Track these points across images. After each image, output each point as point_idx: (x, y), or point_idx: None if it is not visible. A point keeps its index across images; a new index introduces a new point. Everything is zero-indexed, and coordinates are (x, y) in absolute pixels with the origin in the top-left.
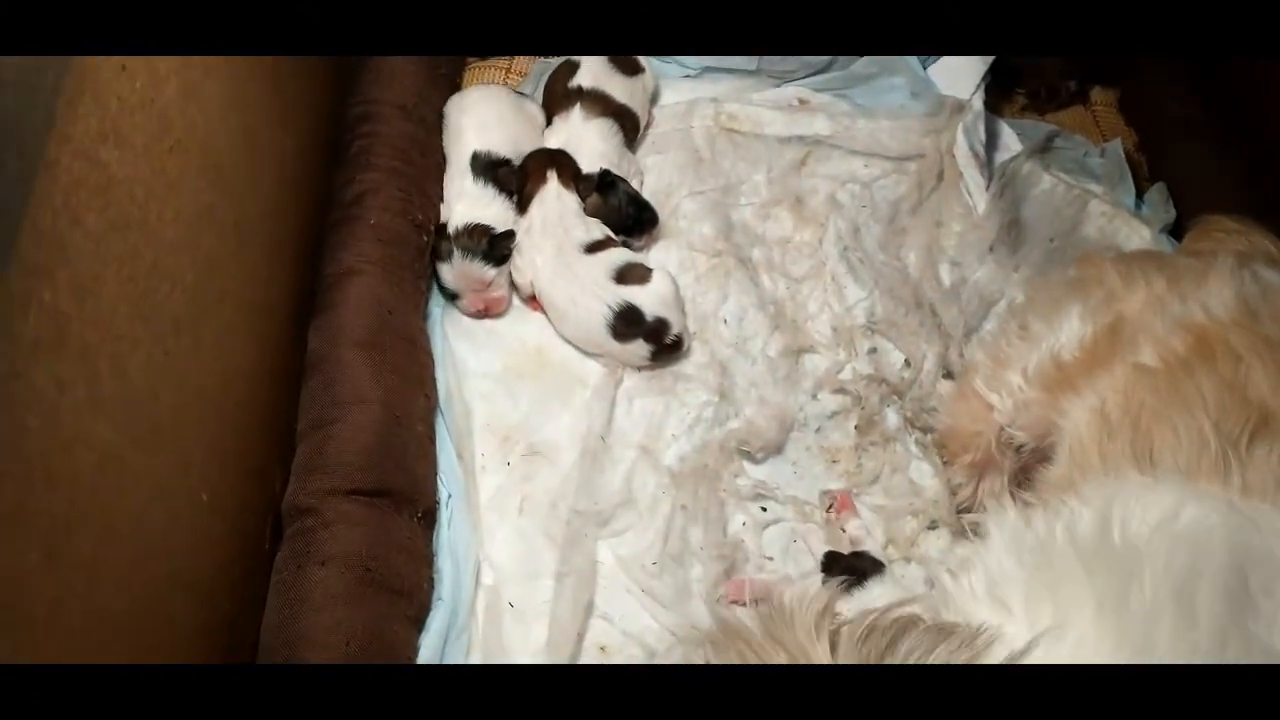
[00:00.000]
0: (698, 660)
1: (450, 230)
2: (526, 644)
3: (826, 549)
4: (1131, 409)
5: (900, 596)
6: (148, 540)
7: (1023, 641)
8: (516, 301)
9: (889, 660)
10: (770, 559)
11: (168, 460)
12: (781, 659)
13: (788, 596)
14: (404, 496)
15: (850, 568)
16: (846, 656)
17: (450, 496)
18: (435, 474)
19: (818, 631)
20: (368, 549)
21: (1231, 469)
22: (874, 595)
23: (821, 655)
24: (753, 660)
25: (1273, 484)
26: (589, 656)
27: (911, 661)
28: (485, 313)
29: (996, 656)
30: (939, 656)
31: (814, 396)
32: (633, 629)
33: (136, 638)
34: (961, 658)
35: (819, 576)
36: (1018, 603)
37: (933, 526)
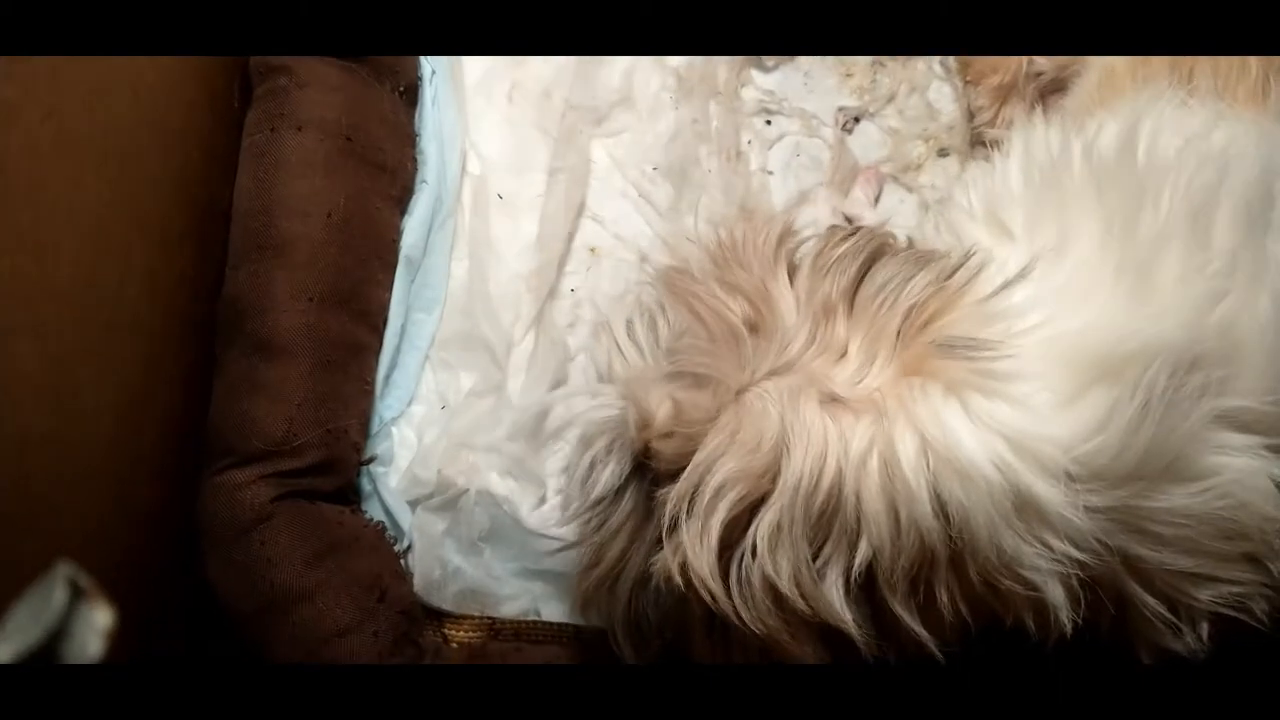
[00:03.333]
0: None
1: None
2: (515, 238)
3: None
4: None
5: None
6: (109, 76)
7: (1017, 265)
8: None
9: (859, 300)
10: (771, 173)
11: None
12: (738, 303)
13: (739, 230)
14: (384, 66)
15: None
16: (806, 287)
17: (434, 74)
18: None
19: (775, 262)
20: (347, 117)
21: (1271, 94)
22: None
23: (782, 289)
24: (705, 312)
25: None
26: (578, 258)
27: (889, 291)
28: None
29: (987, 283)
30: (917, 285)
31: None
32: (625, 233)
33: (109, 173)
34: (945, 285)
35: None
36: (1019, 224)
37: (943, 154)
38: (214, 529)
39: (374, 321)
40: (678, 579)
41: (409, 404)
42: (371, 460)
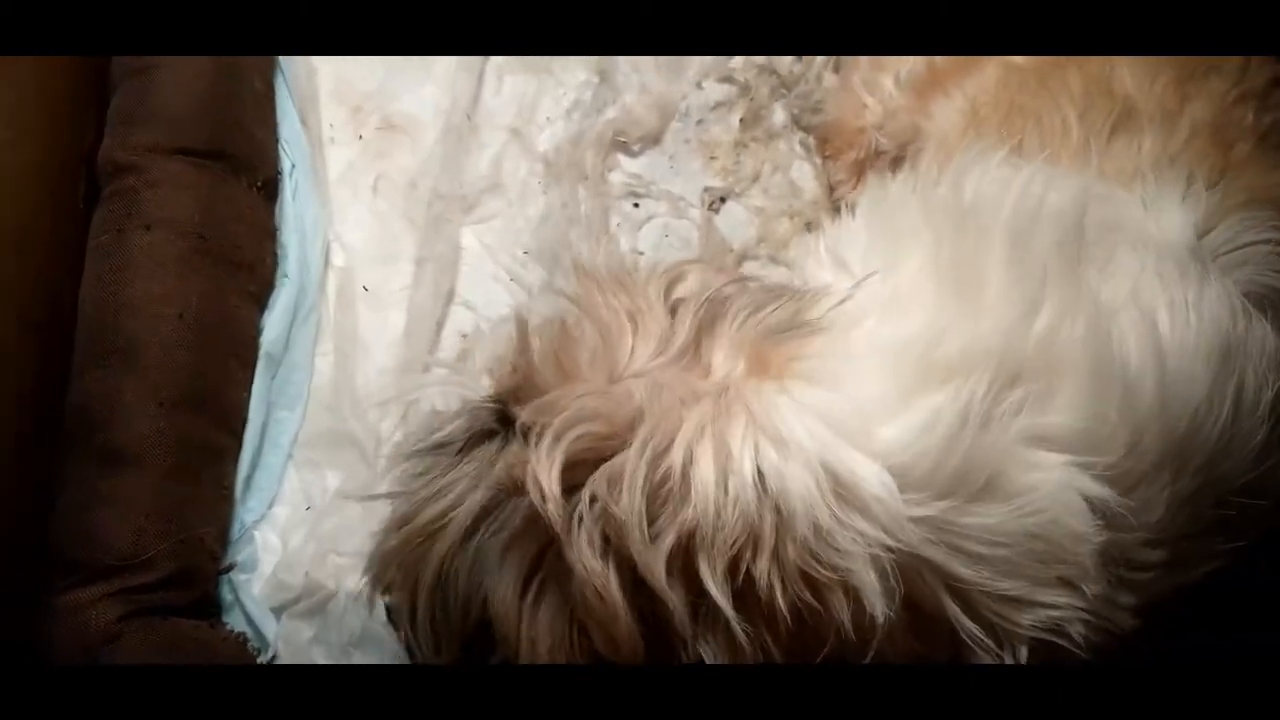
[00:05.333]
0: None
1: None
2: (383, 331)
3: None
4: (1000, 106)
5: None
6: None
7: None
8: None
9: (719, 326)
10: (641, 254)
11: None
12: (623, 302)
13: (642, 262)
14: (242, 161)
15: None
16: (682, 323)
17: (294, 168)
18: (276, 140)
19: (665, 298)
20: (200, 215)
21: (1091, 157)
22: None
23: (659, 315)
24: (597, 298)
25: (1130, 171)
26: (449, 345)
27: (740, 320)
28: None
29: (823, 308)
30: (766, 314)
31: (699, 85)
32: (498, 317)
33: None
34: (786, 311)
35: None
36: (856, 259)
37: (809, 229)
38: (57, 654)
39: (232, 423)
40: (517, 480)
41: (271, 506)
42: (231, 568)
